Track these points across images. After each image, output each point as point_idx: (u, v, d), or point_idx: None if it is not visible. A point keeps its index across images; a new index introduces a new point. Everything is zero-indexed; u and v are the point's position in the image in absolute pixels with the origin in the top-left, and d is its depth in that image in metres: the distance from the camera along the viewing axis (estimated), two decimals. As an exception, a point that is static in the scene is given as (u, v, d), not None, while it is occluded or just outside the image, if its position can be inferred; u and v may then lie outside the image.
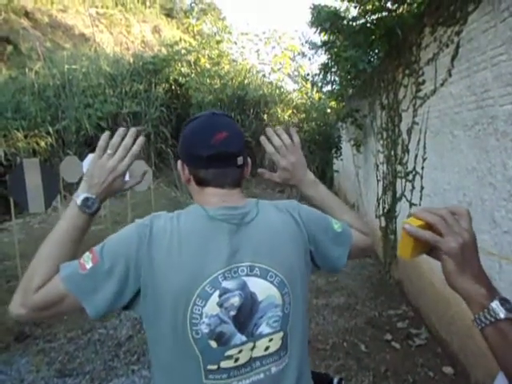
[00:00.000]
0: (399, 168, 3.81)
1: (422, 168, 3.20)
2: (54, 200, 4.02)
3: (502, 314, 0.57)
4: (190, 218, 0.86)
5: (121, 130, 0.97)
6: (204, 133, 0.88)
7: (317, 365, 2.68)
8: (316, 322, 3.31)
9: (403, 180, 3.69)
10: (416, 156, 3.33)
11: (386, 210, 4.35)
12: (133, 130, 0.98)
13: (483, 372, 2.20)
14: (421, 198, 3.25)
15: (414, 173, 3.40)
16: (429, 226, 0.63)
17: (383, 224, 4.43)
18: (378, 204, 4.63)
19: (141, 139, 0.99)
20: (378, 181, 4.67)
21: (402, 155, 3.73)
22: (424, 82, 3.11)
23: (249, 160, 0.98)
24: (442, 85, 2.75)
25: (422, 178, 3.23)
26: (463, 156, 2.44)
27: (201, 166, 0.89)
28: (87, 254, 0.82)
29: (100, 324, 3.28)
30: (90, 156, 6.16)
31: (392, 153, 4.05)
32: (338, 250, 0.99)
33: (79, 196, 0.90)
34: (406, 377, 2.55)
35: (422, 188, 3.22)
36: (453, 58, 2.53)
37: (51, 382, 2.55)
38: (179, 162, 0.95)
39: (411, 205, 3.47)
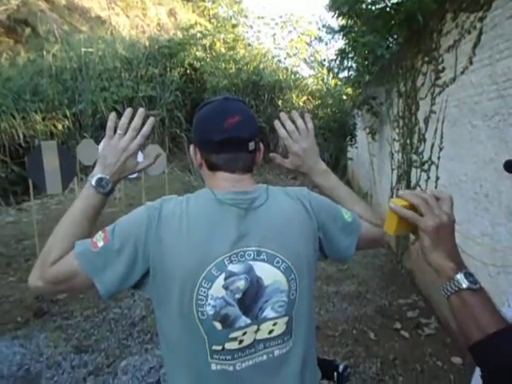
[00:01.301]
0: (415, 157, 3.76)
1: (438, 158, 3.16)
2: (70, 182, 4.11)
3: (464, 285, 0.65)
4: (199, 202, 0.88)
5: (128, 111, 0.98)
6: (216, 117, 0.89)
7: (325, 351, 2.72)
8: (326, 308, 3.35)
9: (418, 170, 3.65)
10: (432, 145, 3.27)
11: (399, 200, 4.31)
12: (141, 110, 0.99)
13: (492, 363, 2.21)
14: (436, 189, 3.21)
15: (429, 163, 3.36)
16: (413, 207, 0.70)
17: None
18: (392, 193, 4.59)
19: (151, 119, 1.01)
20: (392, 170, 4.62)
21: (418, 144, 3.67)
22: (443, 69, 3.04)
23: (261, 145, 0.97)
24: (462, 73, 2.68)
25: (437, 168, 3.18)
26: (482, 147, 2.39)
27: (213, 151, 0.90)
28: (100, 233, 0.85)
29: (115, 303, 3.38)
30: (106, 139, 6.26)
31: (408, 141, 4.00)
32: (346, 240, 0.99)
33: (94, 176, 0.93)
34: (414, 365, 2.57)
35: (438, 178, 3.18)
36: (475, 46, 2.46)
37: (68, 357, 2.66)
38: (192, 147, 0.96)
39: (426, 195, 3.44)
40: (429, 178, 3.38)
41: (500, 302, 2.25)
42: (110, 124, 0.97)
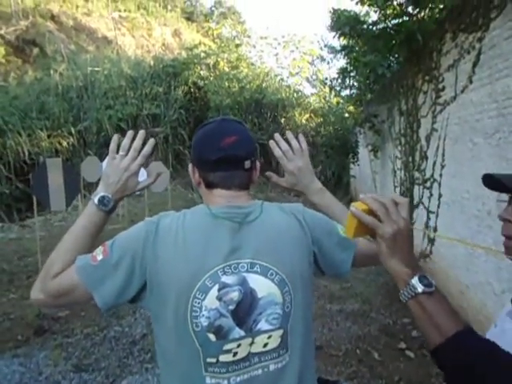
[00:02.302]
0: (417, 175, 3.77)
1: (441, 175, 3.16)
2: (74, 199, 4.13)
3: (419, 289, 0.66)
4: (195, 216, 0.90)
5: (130, 133, 1.02)
6: (213, 137, 0.92)
7: (329, 371, 2.67)
8: (329, 327, 3.30)
9: (421, 187, 3.65)
10: (434, 163, 3.29)
11: (402, 217, 4.30)
12: (142, 132, 1.03)
13: None
14: (438, 206, 3.21)
15: (431, 180, 3.36)
16: (373, 212, 0.70)
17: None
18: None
19: (151, 141, 1.04)
20: (395, 187, 4.63)
21: (420, 162, 3.69)
22: (444, 88, 3.08)
23: (258, 164, 1.00)
24: (462, 91, 2.72)
25: (440, 185, 3.19)
26: (483, 164, 2.40)
27: (210, 169, 0.92)
28: (100, 247, 0.88)
29: (116, 321, 3.34)
30: (110, 156, 6.32)
31: (410, 159, 4.01)
32: (342, 255, 0.99)
33: (97, 195, 0.96)
34: (419, 387, 2.52)
35: (440, 196, 3.18)
36: (474, 65, 2.50)
37: (68, 376, 2.62)
38: (190, 166, 0.99)
39: (429, 212, 3.43)
40: (431, 195, 3.38)
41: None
42: (112, 145, 1.01)
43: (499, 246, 2.23)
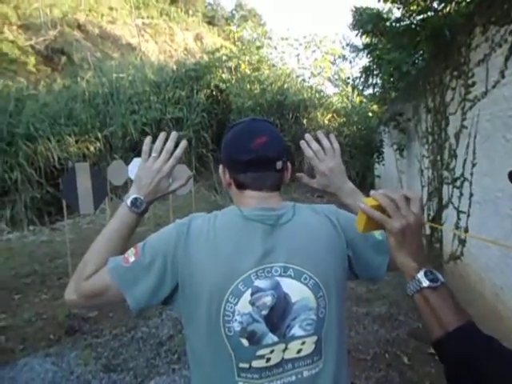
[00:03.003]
0: (446, 174, 3.66)
1: (471, 174, 3.06)
2: (102, 202, 4.23)
3: (424, 283, 0.69)
4: (226, 218, 0.89)
5: (162, 135, 1.03)
6: (244, 138, 0.91)
7: (357, 375, 2.61)
8: (356, 330, 3.24)
9: (450, 186, 3.54)
10: (465, 161, 3.18)
11: (431, 218, 4.18)
12: (174, 134, 1.04)
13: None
14: (470, 206, 3.10)
15: (462, 179, 3.25)
16: (382, 207, 0.73)
17: (428, 232, 4.26)
18: (423, 211, 4.46)
19: (184, 142, 1.05)
20: (422, 187, 4.50)
21: (448, 160, 3.58)
22: (474, 83, 2.98)
23: (289, 165, 0.99)
24: (493, 87, 2.61)
25: (471, 184, 3.08)
26: (517, 161, 2.30)
27: (241, 170, 0.91)
28: (131, 249, 0.89)
29: (143, 322, 3.40)
30: (135, 160, 6.43)
31: (438, 158, 3.90)
32: (377, 259, 0.95)
33: (129, 197, 0.97)
34: (452, 393, 2.43)
35: (471, 195, 3.07)
36: (506, 59, 2.40)
37: (98, 376, 2.67)
38: (220, 167, 0.98)
39: (459, 212, 3.32)
40: (462, 194, 3.27)
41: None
42: (145, 148, 1.02)
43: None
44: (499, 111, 2.54)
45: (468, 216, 3.14)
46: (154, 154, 1.01)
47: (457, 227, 3.37)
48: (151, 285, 0.84)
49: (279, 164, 0.91)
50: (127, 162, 6.81)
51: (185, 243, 0.85)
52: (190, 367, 0.93)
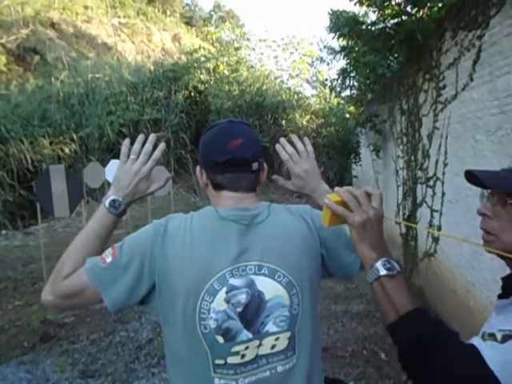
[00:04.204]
0: (420, 173, 3.76)
1: (443, 174, 3.16)
2: (77, 205, 4.14)
3: (382, 272, 0.74)
4: (202, 218, 0.91)
5: (140, 137, 1.04)
6: (221, 139, 0.93)
7: (336, 372, 2.66)
8: (335, 328, 3.29)
9: (424, 186, 3.64)
10: (437, 161, 3.28)
11: (406, 216, 4.29)
12: (152, 136, 1.05)
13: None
14: (442, 204, 3.20)
15: (434, 178, 3.35)
16: (345, 203, 0.78)
17: (403, 230, 4.37)
18: (398, 210, 4.57)
19: (162, 145, 1.06)
20: (397, 186, 4.62)
21: (422, 160, 3.68)
22: (445, 86, 3.08)
23: (265, 166, 1.01)
24: (463, 89, 2.71)
25: (443, 183, 3.18)
26: (486, 161, 2.39)
27: (217, 171, 0.93)
28: (109, 249, 0.90)
29: (121, 326, 3.35)
30: (112, 162, 6.32)
31: (412, 158, 4.01)
32: (350, 257, 0.98)
33: (107, 198, 0.98)
34: (427, 386, 2.50)
35: (444, 194, 3.17)
36: (474, 63, 2.50)
37: (75, 382, 2.62)
38: (198, 168, 1.00)
39: (432, 211, 3.42)
40: (435, 193, 3.37)
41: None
42: (123, 149, 1.03)
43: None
44: (468, 113, 2.64)
45: (441, 214, 3.24)
46: (132, 156, 1.02)
47: (430, 225, 3.47)
48: (128, 285, 0.85)
49: (255, 165, 0.94)
50: (104, 163, 6.68)
51: (162, 243, 0.86)
52: (168, 366, 0.94)
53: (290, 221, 0.95)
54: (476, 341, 0.67)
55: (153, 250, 0.86)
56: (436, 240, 3.37)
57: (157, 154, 1.04)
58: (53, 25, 14.03)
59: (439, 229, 3.29)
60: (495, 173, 0.81)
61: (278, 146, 1.17)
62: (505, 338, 0.64)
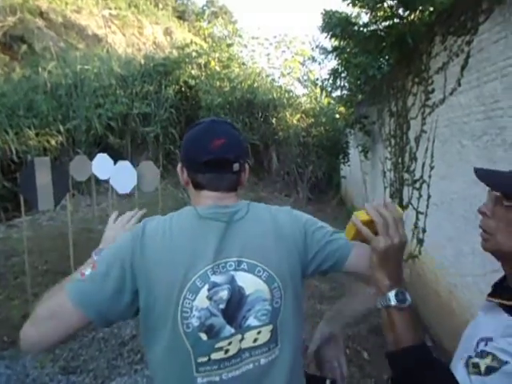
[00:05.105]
0: (406, 176, 3.81)
1: (430, 176, 3.20)
2: (63, 198, 4.07)
3: (392, 302, 0.74)
4: (181, 218, 0.92)
5: (127, 215, 1.21)
6: (203, 139, 0.93)
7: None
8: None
9: (410, 188, 3.69)
10: (424, 164, 3.32)
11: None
12: (140, 213, 1.24)
13: None
14: (427, 207, 3.24)
15: (421, 181, 3.40)
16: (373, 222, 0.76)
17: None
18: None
19: (142, 211, 1.25)
20: (385, 188, 4.66)
21: (409, 163, 3.72)
22: (433, 90, 3.11)
23: (247, 167, 1.01)
24: (451, 94, 2.75)
25: (429, 186, 3.22)
26: (471, 166, 2.42)
27: (198, 171, 0.94)
28: (88, 263, 0.93)
29: (104, 322, 3.31)
30: (100, 156, 6.24)
31: (399, 160, 4.05)
32: (338, 242, 0.98)
33: (99, 251, 1.04)
34: (408, 386, 2.54)
35: (429, 196, 3.21)
36: (462, 68, 2.53)
37: (55, 378, 2.58)
38: (179, 165, 1.00)
39: (418, 213, 3.46)
40: (421, 196, 3.42)
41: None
42: (112, 216, 1.20)
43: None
44: (455, 117, 2.68)
45: (426, 216, 3.29)
46: (120, 218, 1.19)
47: (416, 227, 3.52)
48: (110, 291, 0.83)
49: (236, 166, 0.94)
50: (91, 157, 6.59)
51: (140, 247, 0.85)
52: (149, 366, 0.93)
53: (269, 217, 0.96)
54: (461, 373, 0.68)
55: (133, 255, 0.85)
56: (420, 242, 3.42)
57: (140, 213, 1.22)
58: (41, 14, 13.74)
59: (424, 231, 3.33)
60: (497, 172, 0.82)
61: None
62: (489, 370, 0.65)
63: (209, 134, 0.93)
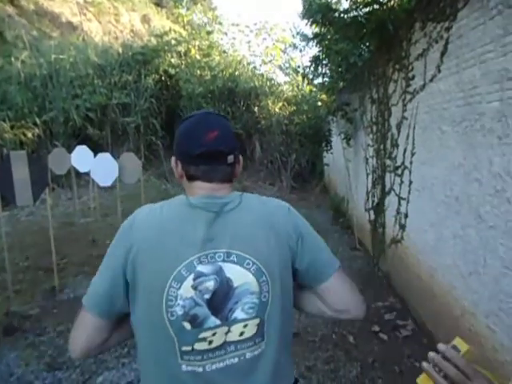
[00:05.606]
0: (388, 162, 3.85)
1: (411, 162, 3.24)
2: (42, 193, 3.97)
3: None
4: (172, 206, 0.93)
5: None
6: (196, 131, 0.92)
7: (306, 356, 2.72)
8: (305, 314, 3.35)
9: (392, 174, 3.74)
10: (405, 150, 3.36)
11: (375, 204, 4.40)
12: None
13: (467, 362, 2.26)
14: (409, 193, 3.30)
15: (402, 167, 3.44)
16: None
17: (372, 217, 4.48)
18: (368, 197, 4.68)
19: None
20: (367, 174, 4.71)
21: (391, 149, 3.76)
22: (413, 77, 3.14)
23: (240, 158, 1.02)
24: (431, 80, 2.77)
25: (410, 172, 3.27)
26: (451, 151, 2.47)
27: (192, 163, 0.94)
28: None
29: (90, 317, 3.28)
30: (79, 148, 6.10)
31: (381, 147, 4.09)
32: (323, 258, 0.99)
33: None
34: (392, 367, 2.61)
35: (411, 182, 3.26)
36: (442, 54, 2.55)
37: (41, 375, 2.55)
38: (173, 159, 1.00)
39: (400, 199, 3.52)
40: (402, 182, 3.47)
41: (472, 301, 2.30)
42: None
43: (466, 231, 2.32)
44: (435, 104, 2.71)
45: (408, 202, 3.34)
46: None
47: (398, 213, 3.58)
48: (106, 289, 0.89)
49: (230, 158, 0.94)
50: (70, 149, 6.44)
51: (129, 238, 0.88)
52: (138, 357, 0.94)
53: (262, 210, 0.96)
54: None
55: (124, 249, 0.88)
56: (403, 227, 3.48)
57: None
58: (12, 1, 13.18)
59: (406, 216, 3.39)
60: None
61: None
62: None
63: (202, 127, 0.93)
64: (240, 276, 0.87)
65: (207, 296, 0.85)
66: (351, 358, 2.74)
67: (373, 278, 4.15)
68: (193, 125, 0.94)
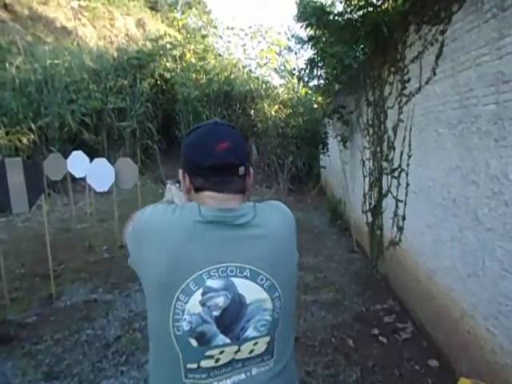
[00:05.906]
0: (385, 164, 3.85)
1: (408, 165, 3.25)
2: (38, 199, 3.93)
3: None
4: (183, 215, 0.87)
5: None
6: (206, 142, 0.89)
7: (306, 361, 2.71)
8: (304, 318, 3.34)
9: (389, 176, 3.74)
10: (401, 153, 3.37)
11: (372, 206, 4.40)
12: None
13: (467, 364, 2.26)
14: (406, 195, 3.30)
15: (399, 169, 3.45)
16: None
17: (369, 219, 4.48)
18: (365, 200, 4.68)
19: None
20: (364, 177, 4.72)
21: (387, 152, 3.77)
22: (409, 79, 3.14)
23: (251, 170, 0.98)
24: (426, 83, 2.78)
25: (407, 174, 3.27)
26: (447, 154, 2.47)
27: (201, 175, 0.90)
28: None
29: (87, 324, 3.25)
30: (75, 153, 6.06)
31: (378, 149, 4.09)
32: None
33: None
34: (392, 371, 2.60)
35: (408, 185, 3.26)
36: (437, 57, 2.56)
37: (38, 385, 2.52)
38: (180, 171, 0.96)
39: (397, 201, 3.52)
40: (399, 184, 3.47)
41: (471, 303, 2.29)
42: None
43: (464, 233, 2.32)
44: (431, 106, 2.71)
45: (405, 204, 3.34)
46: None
47: (395, 215, 3.58)
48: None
49: (241, 170, 0.91)
50: (66, 155, 6.40)
51: (140, 242, 0.89)
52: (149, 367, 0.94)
53: (276, 222, 0.93)
54: None
55: (137, 252, 0.90)
56: (400, 229, 3.48)
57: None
58: (5, 6, 13.14)
59: (403, 218, 3.39)
60: None
61: None
62: None
63: (212, 137, 0.89)
64: (253, 293, 0.84)
65: (216, 313, 0.81)
66: (351, 362, 2.72)
67: (371, 280, 4.14)
68: (202, 135, 0.91)
